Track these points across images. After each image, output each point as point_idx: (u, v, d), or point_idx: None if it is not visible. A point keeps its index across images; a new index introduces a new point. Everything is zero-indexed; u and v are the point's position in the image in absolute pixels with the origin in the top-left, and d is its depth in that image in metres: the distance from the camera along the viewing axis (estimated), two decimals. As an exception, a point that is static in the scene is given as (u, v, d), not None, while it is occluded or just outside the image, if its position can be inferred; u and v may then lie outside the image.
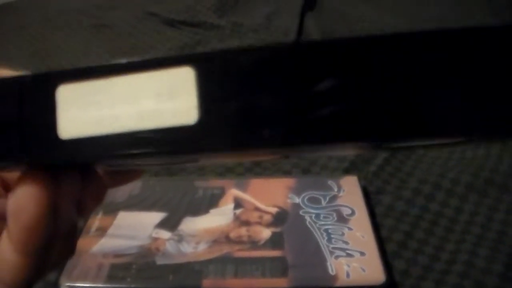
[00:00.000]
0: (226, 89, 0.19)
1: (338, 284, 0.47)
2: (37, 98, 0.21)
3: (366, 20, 1.06)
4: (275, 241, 0.52)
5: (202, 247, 0.52)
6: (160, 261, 0.50)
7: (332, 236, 0.52)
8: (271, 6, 1.12)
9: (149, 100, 0.20)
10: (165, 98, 0.19)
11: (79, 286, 0.49)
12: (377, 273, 0.48)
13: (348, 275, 0.48)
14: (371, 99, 0.18)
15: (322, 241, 0.51)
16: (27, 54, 1.03)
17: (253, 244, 0.52)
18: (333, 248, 0.50)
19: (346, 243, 0.51)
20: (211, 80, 0.19)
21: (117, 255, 0.51)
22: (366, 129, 0.19)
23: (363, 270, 0.48)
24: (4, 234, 0.24)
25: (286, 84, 0.19)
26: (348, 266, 0.48)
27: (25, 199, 0.22)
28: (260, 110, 0.19)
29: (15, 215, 0.23)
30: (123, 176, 0.31)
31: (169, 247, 0.52)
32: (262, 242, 0.52)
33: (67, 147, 0.20)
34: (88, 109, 0.20)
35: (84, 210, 0.26)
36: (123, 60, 0.20)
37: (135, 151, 0.20)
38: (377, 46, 0.19)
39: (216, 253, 0.51)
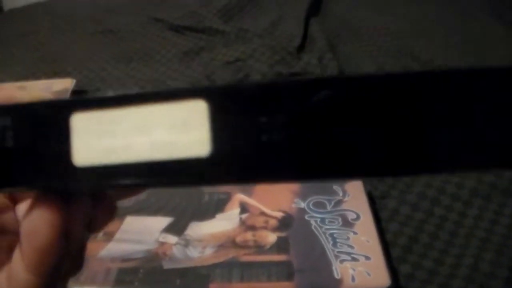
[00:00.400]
0: (239, 123, 0.19)
1: (343, 288, 0.47)
2: (52, 125, 0.21)
3: (370, 25, 1.06)
4: (280, 246, 0.52)
5: (208, 251, 0.52)
6: (167, 265, 0.51)
7: (337, 240, 0.52)
8: (275, 12, 1.12)
9: (162, 131, 0.20)
10: (178, 130, 0.20)
11: (87, 290, 0.49)
12: (382, 277, 0.48)
13: (353, 279, 0.48)
14: (378, 136, 0.19)
15: (328, 246, 0.52)
16: (34, 59, 1.04)
17: (259, 248, 0.52)
18: (339, 252, 0.51)
19: (351, 247, 0.51)
20: (223, 113, 0.19)
21: (124, 259, 0.52)
22: (377, 165, 0.19)
23: (368, 274, 0.48)
24: (17, 253, 0.24)
25: (297, 119, 0.19)
26: (354, 270, 0.49)
27: (39, 222, 0.23)
28: (271, 143, 0.19)
29: (29, 238, 0.23)
30: (129, 189, 0.31)
31: (176, 251, 0.52)
32: (268, 246, 0.52)
33: (81, 174, 0.21)
34: (102, 138, 0.20)
35: (95, 228, 0.27)
36: (137, 91, 0.20)
37: (147, 181, 0.21)
38: (388, 84, 0.19)
39: (223, 257, 0.51)
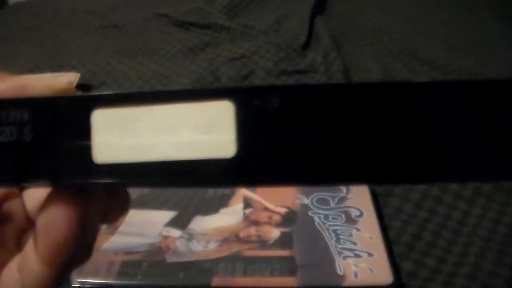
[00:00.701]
0: (265, 124, 0.19)
1: (346, 284, 0.48)
2: (72, 120, 0.21)
3: (375, 24, 1.06)
4: (284, 241, 0.52)
5: (212, 246, 0.52)
6: (170, 259, 0.51)
7: (340, 236, 0.52)
8: (281, 9, 1.13)
9: (186, 131, 0.20)
10: (203, 130, 0.20)
11: (90, 282, 0.49)
12: (385, 274, 0.48)
13: (356, 275, 0.48)
14: (392, 143, 0.19)
15: (331, 242, 0.52)
16: (39, 53, 1.04)
17: (262, 243, 0.52)
18: (342, 248, 0.51)
19: (354, 244, 0.51)
20: (250, 114, 0.19)
21: (127, 252, 0.52)
22: (388, 172, 0.20)
23: (371, 271, 0.48)
24: (30, 245, 0.24)
25: (324, 122, 0.19)
26: (356, 266, 0.49)
27: (56, 218, 0.23)
28: (297, 146, 0.19)
29: (46, 233, 0.23)
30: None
31: (179, 245, 0.52)
32: (271, 241, 0.53)
33: (101, 171, 0.21)
34: (124, 135, 0.20)
35: (109, 220, 0.27)
36: (162, 89, 0.20)
37: (170, 181, 0.20)
38: (404, 93, 0.19)
39: (226, 252, 0.51)
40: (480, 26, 1.04)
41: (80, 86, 0.87)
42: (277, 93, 0.19)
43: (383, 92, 0.19)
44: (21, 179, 0.22)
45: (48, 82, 0.24)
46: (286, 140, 0.19)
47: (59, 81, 0.24)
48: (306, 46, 0.97)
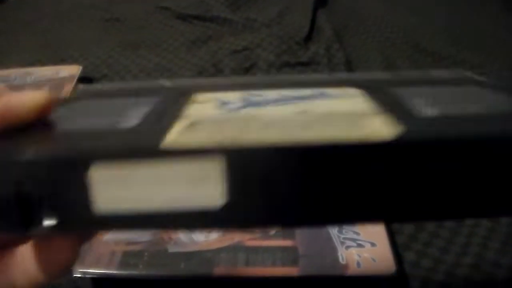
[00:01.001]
0: (250, 179, 0.21)
1: (348, 273, 0.47)
2: (70, 176, 0.22)
3: (378, 17, 1.06)
4: (286, 231, 0.52)
5: (213, 236, 0.52)
6: (172, 249, 0.51)
7: (343, 226, 0.52)
8: (283, 2, 1.12)
9: (179, 185, 0.22)
10: (194, 184, 0.21)
11: (92, 272, 0.49)
12: (388, 264, 0.48)
13: (358, 264, 0.48)
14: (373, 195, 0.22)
15: (333, 232, 0.52)
16: (40, 46, 1.04)
17: (264, 233, 0.52)
18: (344, 238, 0.51)
19: (357, 233, 0.51)
20: (237, 170, 0.21)
21: (129, 242, 0.52)
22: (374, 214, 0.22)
23: (374, 260, 0.48)
24: (28, 250, 0.25)
25: (303, 180, 0.21)
26: (359, 256, 0.49)
27: (61, 254, 0.25)
28: (277, 200, 0.22)
29: (51, 261, 0.25)
30: None
31: (181, 235, 0.52)
32: (273, 232, 0.52)
33: (101, 221, 0.22)
34: (121, 188, 0.22)
35: None
36: (153, 146, 0.21)
37: (163, 228, 0.23)
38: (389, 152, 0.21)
39: (228, 242, 0.51)
40: (483, 18, 1.04)
41: (82, 79, 0.87)
42: (266, 152, 0.21)
43: (370, 152, 0.21)
44: (26, 228, 0.23)
45: (30, 99, 0.25)
46: (271, 194, 0.21)
47: (41, 95, 0.25)
48: (308, 38, 0.97)
